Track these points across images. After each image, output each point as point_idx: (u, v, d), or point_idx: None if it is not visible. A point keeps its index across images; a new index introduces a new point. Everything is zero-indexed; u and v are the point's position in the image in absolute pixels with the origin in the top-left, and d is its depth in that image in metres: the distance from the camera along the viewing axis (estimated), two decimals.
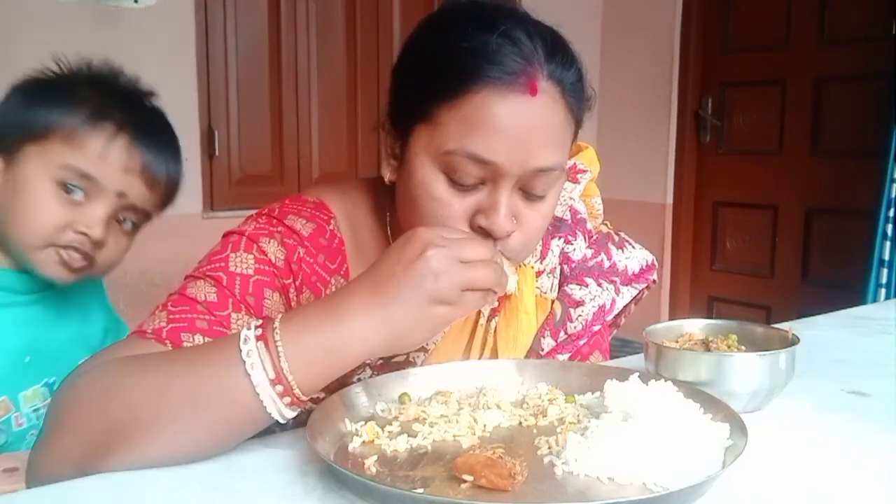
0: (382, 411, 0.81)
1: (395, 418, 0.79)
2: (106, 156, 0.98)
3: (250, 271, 0.85)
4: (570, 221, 1.04)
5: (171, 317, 0.81)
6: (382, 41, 3.46)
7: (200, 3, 3.01)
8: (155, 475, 0.70)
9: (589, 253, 1.04)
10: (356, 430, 0.75)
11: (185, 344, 0.79)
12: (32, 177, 0.98)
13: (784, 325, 0.96)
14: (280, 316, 0.72)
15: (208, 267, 0.86)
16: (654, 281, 1.10)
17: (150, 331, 0.80)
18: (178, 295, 0.84)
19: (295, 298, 0.88)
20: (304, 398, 0.70)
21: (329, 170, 3.37)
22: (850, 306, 1.49)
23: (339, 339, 0.70)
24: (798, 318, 1.40)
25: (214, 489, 0.67)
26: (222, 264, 0.85)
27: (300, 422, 0.77)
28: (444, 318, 0.72)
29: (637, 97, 3.85)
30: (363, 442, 0.73)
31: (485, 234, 0.82)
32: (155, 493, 0.67)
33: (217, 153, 3.13)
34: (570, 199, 1.04)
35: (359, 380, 0.88)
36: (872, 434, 0.83)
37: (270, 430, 0.99)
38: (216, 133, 3.12)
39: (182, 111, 2.95)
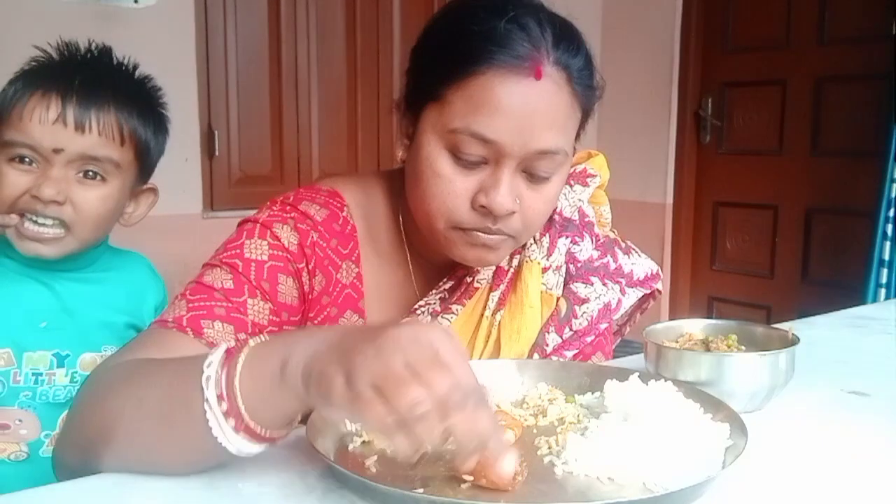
0: None
1: None
2: (34, 117, 1.01)
3: (264, 257, 0.87)
4: (577, 222, 1.05)
5: (190, 305, 0.83)
6: (382, 41, 3.46)
7: (200, 3, 3.01)
8: (155, 475, 0.70)
9: (595, 254, 1.05)
10: (356, 430, 0.75)
11: (205, 330, 0.80)
12: None
13: (784, 325, 0.96)
14: (263, 338, 0.66)
15: (224, 255, 0.88)
16: (660, 291, 1.11)
17: (170, 320, 0.82)
18: (195, 283, 0.86)
19: (308, 282, 0.91)
20: (252, 426, 0.62)
21: (329, 170, 3.37)
22: (850, 306, 1.49)
23: (283, 359, 0.62)
24: (798, 318, 1.40)
25: (214, 489, 0.67)
26: (238, 251, 0.88)
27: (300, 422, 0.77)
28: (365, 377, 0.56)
29: (637, 97, 3.84)
30: (363, 442, 0.73)
31: (486, 212, 0.85)
32: (155, 493, 0.67)
33: (217, 153, 3.13)
34: (580, 200, 1.05)
35: None
36: (872, 434, 0.83)
37: None
38: (216, 133, 3.12)
39: (182, 111, 2.95)
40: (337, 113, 3.42)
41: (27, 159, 1.02)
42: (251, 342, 0.65)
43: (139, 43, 2.69)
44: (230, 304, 0.83)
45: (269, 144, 3.27)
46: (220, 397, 0.62)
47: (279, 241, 0.89)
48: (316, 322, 0.93)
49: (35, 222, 1.02)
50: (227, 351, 0.65)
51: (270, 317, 0.86)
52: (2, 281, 1.06)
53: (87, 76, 1.05)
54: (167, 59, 2.76)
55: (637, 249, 1.11)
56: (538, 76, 0.81)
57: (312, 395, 0.59)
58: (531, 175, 0.86)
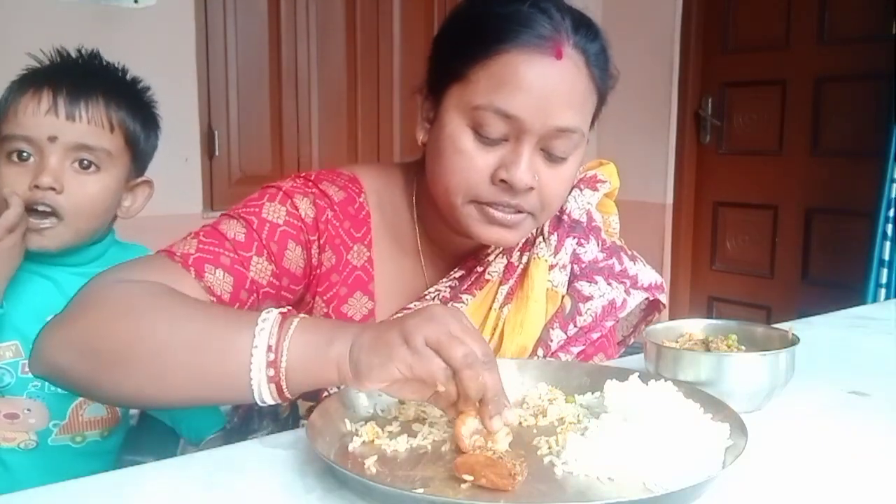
0: (382, 411, 0.81)
1: (395, 418, 0.79)
2: (28, 110, 1.06)
3: (280, 221, 0.92)
4: (585, 225, 1.06)
5: (200, 246, 0.87)
6: (382, 41, 3.46)
7: (200, 3, 3.00)
8: (155, 475, 0.70)
9: (601, 256, 1.07)
10: (356, 430, 0.75)
11: (206, 275, 0.84)
12: None
13: (784, 325, 0.96)
14: (307, 316, 0.74)
15: (243, 209, 0.93)
16: (664, 304, 1.13)
17: (178, 254, 0.85)
18: (210, 227, 0.90)
19: (317, 256, 0.95)
20: (283, 383, 0.70)
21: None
22: (850, 306, 1.49)
23: (332, 336, 0.71)
24: (798, 318, 1.40)
25: (214, 489, 0.67)
26: (256, 209, 0.92)
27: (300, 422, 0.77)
28: (392, 350, 0.67)
29: (637, 97, 3.84)
30: (363, 442, 0.73)
31: (505, 187, 0.87)
32: (154, 493, 0.67)
33: (217, 153, 3.13)
34: (588, 203, 1.07)
35: None
36: (872, 434, 0.83)
37: (270, 429, 1.01)
38: (216, 133, 3.12)
39: (182, 111, 2.97)
40: (337, 113, 3.41)
41: (24, 153, 1.07)
42: (301, 314, 0.73)
43: (139, 43, 2.71)
44: (236, 256, 0.87)
45: (269, 144, 3.27)
46: (269, 348, 0.69)
47: (297, 210, 0.93)
48: (325, 298, 0.96)
49: (35, 211, 1.06)
50: (281, 314, 0.72)
51: (271, 278, 0.90)
52: None
53: (77, 73, 1.11)
54: (167, 59, 2.76)
55: (643, 260, 1.12)
56: (559, 56, 0.85)
57: (365, 362, 0.68)
58: (549, 154, 0.89)
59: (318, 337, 0.70)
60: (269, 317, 0.71)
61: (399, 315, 0.94)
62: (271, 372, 0.69)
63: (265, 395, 0.70)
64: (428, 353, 0.66)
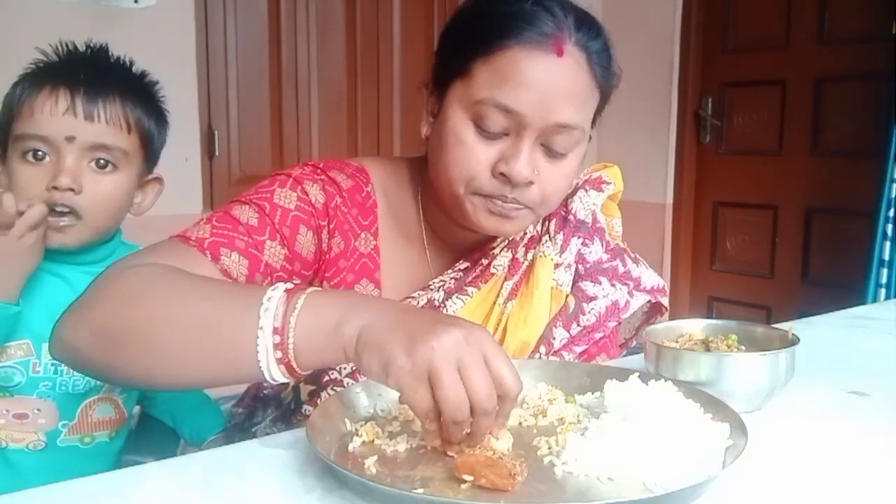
0: (382, 411, 0.81)
1: (395, 418, 0.79)
2: (45, 110, 1.05)
3: (291, 206, 0.94)
4: (590, 226, 1.07)
5: (214, 231, 0.88)
6: (382, 41, 3.46)
7: (200, 3, 3.00)
8: (154, 475, 0.70)
9: (605, 257, 1.08)
10: (356, 430, 0.75)
11: (222, 258, 0.86)
12: (10, 160, 1.08)
13: (784, 325, 0.96)
14: (318, 287, 0.72)
15: (255, 196, 0.94)
16: (666, 308, 1.13)
17: (193, 238, 0.86)
18: (223, 213, 0.92)
19: (326, 241, 0.96)
20: (294, 363, 0.68)
21: None
22: (850, 306, 1.49)
23: (342, 317, 0.68)
24: (798, 318, 1.40)
25: (214, 489, 0.67)
26: (268, 195, 0.94)
27: (300, 422, 0.77)
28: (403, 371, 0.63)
29: (637, 97, 3.84)
30: (363, 442, 0.73)
31: (505, 180, 0.89)
32: (154, 493, 0.67)
33: (217, 153, 3.13)
34: (594, 205, 1.08)
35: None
36: (872, 434, 0.83)
37: (274, 415, 1.02)
38: (216, 133, 3.12)
39: (182, 111, 2.95)
40: (337, 113, 3.41)
41: (40, 153, 1.06)
42: (310, 289, 0.70)
43: (139, 43, 2.69)
44: (250, 240, 0.89)
45: (269, 144, 3.27)
46: (275, 331, 0.67)
47: (307, 195, 0.95)
48: (332, 283, 0.97)
49: (53, 210, 1.06)
50: (287, 290, 0.70)
51: (283, 262, 0.91)
52: None
53: (92, 71, 1.10)
54: (167, 59, 2.76)
55: (645, 263, 1.12)
56: (560, 53, 0.86)
57: (365, 360, 0.65)
58: (549, 150, 0.90)
59: (325, 318, 0.68)
60: (275, 294, 0.69)
61: (420, 300, 0.97)
62: (279, 354, 0.68)
63: (276, 376, 0.69)
64: (417, 386, 0.63)
